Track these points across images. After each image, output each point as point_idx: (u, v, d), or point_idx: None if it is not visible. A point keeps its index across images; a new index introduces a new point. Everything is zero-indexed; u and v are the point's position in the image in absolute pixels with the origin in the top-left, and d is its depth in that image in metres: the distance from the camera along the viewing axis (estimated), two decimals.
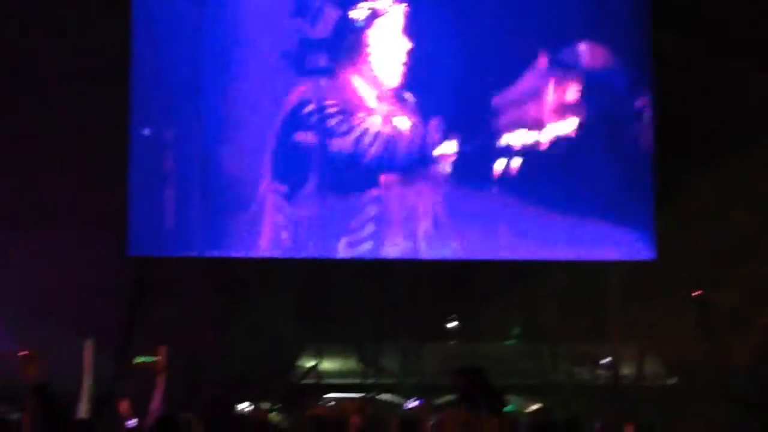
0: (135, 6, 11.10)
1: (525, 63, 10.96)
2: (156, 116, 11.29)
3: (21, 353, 4.16)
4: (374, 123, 10.83)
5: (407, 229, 11.06)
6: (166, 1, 11.40)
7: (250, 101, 11.07)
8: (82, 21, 10.74)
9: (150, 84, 11.19)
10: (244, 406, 9.18)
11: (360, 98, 10.87)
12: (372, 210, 11.00)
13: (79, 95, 10.74)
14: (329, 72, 10.91)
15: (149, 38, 11.17)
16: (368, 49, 10.93)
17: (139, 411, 7.02)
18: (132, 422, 6.68)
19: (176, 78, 11.26)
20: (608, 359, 10.68)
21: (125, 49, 11.12)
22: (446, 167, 10.78)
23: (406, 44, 10.87)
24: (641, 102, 10.84)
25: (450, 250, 11.01)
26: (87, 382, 8.39)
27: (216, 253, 11.41)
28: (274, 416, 9.11)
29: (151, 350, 8.17)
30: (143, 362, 7.87)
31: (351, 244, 11.04)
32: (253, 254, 11.44)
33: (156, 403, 7.21)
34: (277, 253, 11.41)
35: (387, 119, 10.80)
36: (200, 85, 11.26)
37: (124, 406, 6.87)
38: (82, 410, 7.88)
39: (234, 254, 11.38)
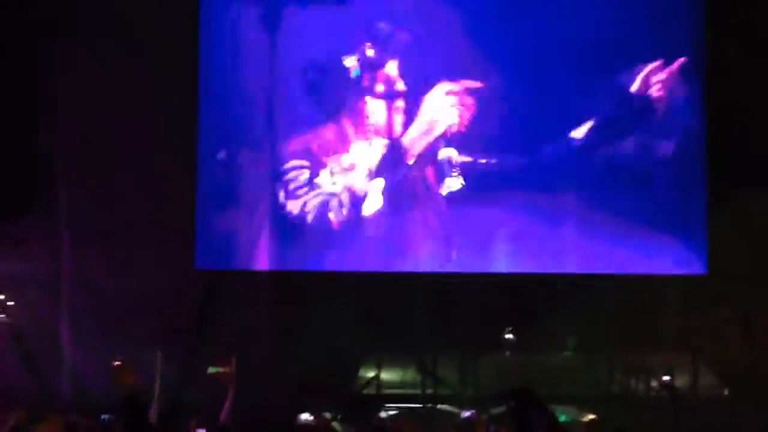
0: (204, 33, 11.91)
1: (585, 86, 11.44)
2: (224, 139, 11.95)
3: (114, 363, 4.48)
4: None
5: (466, 244, 11.49)
6: (236, 29, 12.12)
7: None
8: (159, 56, 11.34)
9: (219, 108, 11.86)
10: (306, 416, 9.19)
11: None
12: (433, 226, 11.48)
13: (153, 123, 11.36)
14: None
15: (219, 64, 11.98)
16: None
17: (207, 420, 7.30)
18: None
19: (244, 102, 11.89)
20: (665, 374, 10.89)
21: (195, 81, 11.82)
22: (504, 183, 11.29)
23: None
24: (694, 118, 11.15)
25: (506, 263, 11.41)
26: (156, 392, 8.96)
27: (281, 267, 11.90)
28: (336, 425, 9.15)
29: (220, 361, 8.64)
30: (215, 372, 8.40)
31: (411, 259, 11.54)
32: (317, 268, 11.88)
33: (225, 414, 7.55)
34: (340, 267, 11.83)
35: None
36: (267, 109, 11.85)
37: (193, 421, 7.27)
38: (152, 419, 8.28)
39: (298, 268, 11.90)
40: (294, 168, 12.01)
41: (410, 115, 11.79)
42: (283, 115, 12.17)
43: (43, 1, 12.04)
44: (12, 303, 11.81)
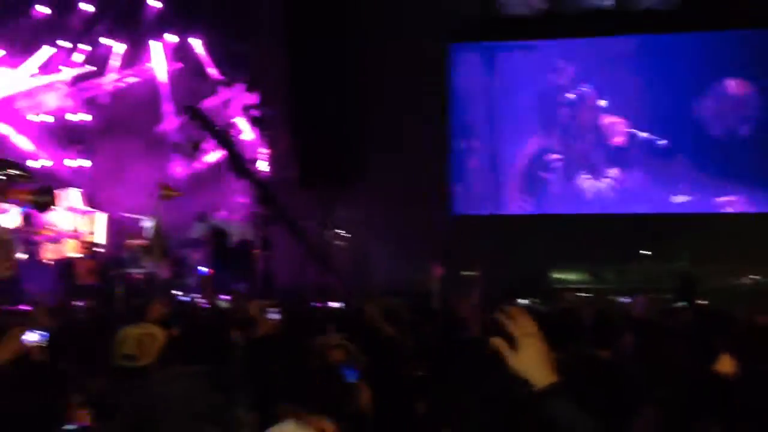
0: (452, 74, 15.41)
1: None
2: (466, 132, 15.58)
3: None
4: None
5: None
6: (471, 70, 15.59)
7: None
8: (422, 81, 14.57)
9: (463, 114, 15.61)
10: (523, 301, 10.75)
11: None
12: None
13: (418, 119, 14.54)
14: None
15: (462, 93, 15.56)
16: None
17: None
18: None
19: (478, 110, 15.68)
20: None
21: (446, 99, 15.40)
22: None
23: None
24: None
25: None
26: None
27: (506, 211, 15.37)
28: (539, 306, 10.36)
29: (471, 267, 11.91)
30: (466, 275, 11.75)
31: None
32: (530, 212, 15.22)
33: (475, 298, 8.47)
34: (549, 210, 15.12)
35: None
36: (490, 116, 15.57)
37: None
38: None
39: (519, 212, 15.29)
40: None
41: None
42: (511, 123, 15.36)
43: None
44: (348, 235, 15.44)
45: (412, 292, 9.32)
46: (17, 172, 15.41)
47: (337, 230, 15.28)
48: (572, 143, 15.37)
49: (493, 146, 15.57)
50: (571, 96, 15.13)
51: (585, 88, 15.10)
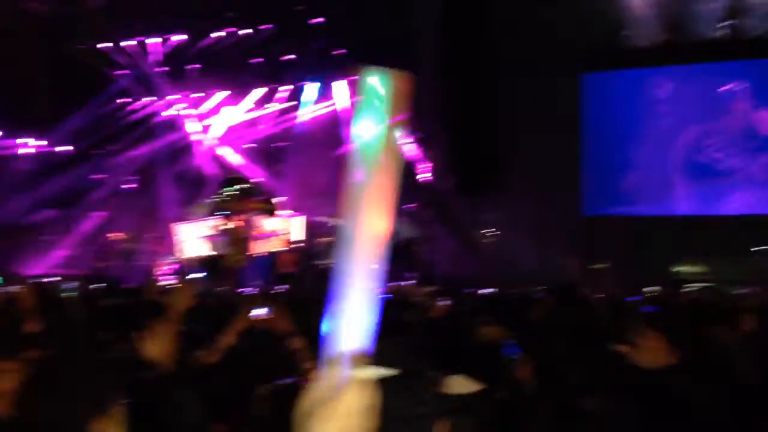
0: (583, 96, 14.92)
1: None
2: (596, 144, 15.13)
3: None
4: None
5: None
6: (600, 94, 15.01)
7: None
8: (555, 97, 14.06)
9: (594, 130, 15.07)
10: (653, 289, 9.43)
11: None
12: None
13: (553, 135, 13.97)
14: None
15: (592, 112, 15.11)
16: None
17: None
18: None
19: (607, 127, 15.02)
20: None
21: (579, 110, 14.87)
22: None
23: None
24: None
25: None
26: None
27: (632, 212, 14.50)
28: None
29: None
30: (597, 267, 11.67)
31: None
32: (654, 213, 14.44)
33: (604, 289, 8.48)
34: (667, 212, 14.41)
35: None
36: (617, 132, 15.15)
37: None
38: None
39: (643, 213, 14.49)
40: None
41: None
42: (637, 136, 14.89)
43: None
44: (496, 233, 15.34)
45: (550, 283, 8.75)
46: (248, 186, 16.47)
47: (487, 229, 15.22)
48: (695, 155, 14.68)
49: (618, 156, 15.13)
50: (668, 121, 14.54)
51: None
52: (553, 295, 6.26)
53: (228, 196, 16.52)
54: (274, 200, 17.04)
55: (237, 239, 15.22)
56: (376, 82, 1.51)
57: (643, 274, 11.14)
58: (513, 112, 14.19)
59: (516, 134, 14.28)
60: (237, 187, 16.56)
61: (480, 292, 8.11)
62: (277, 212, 17.64)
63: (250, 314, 4.76)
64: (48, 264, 17.38)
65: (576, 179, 14.88)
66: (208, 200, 17.51)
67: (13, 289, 5.14)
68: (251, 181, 17.42)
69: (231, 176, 17.23)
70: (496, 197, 14.95)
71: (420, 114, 15.74)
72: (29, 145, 19.69)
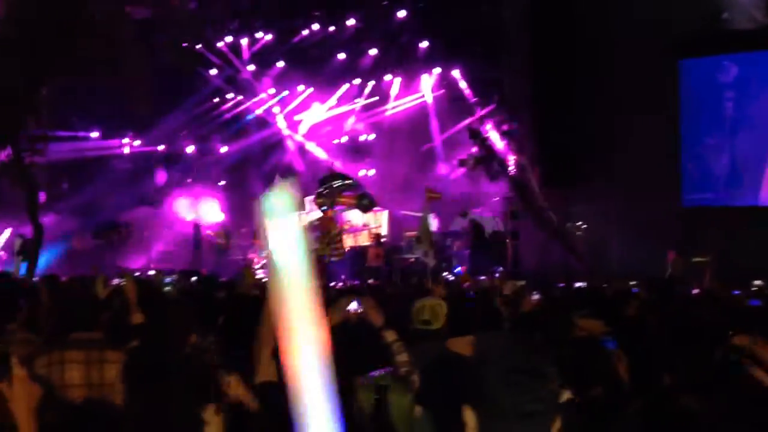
0: (680, 84, 14.31)
1: None
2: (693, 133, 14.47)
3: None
4: None
5: None
6: (698, 80, 14.39)
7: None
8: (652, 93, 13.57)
9: (691, 119, 14.40)
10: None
11: None
12: None
13: (649, 124, 13.47)
14: None
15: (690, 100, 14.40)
16: None
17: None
18: None
19: (704, 115, 14.41)
20: None
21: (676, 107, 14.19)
22: None
23: None
24: None
25: None
26: None
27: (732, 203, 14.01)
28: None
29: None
30: (697, 261, 10.78)
31: None
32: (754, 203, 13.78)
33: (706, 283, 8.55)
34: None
35: None
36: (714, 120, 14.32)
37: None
38: None
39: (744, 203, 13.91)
40: None
41: None
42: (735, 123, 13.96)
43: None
44: (586, 226, 14.76)
45: (644, 277, 8.50)
46: (348, 182, 16.73)
47: (577, 222, 14.75)
48: None
49: (719, 144, 14.35)
50: None
51: None
52: (650, 289, 6.08)
53: (325, 190, 16.81)
54: (369, 196, 17.08)
55: (329, 234, 15.49)
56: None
57: (747, 267, 10.62)
58: (606, 99, 13.85)
59: (609, 123, 13.94)
60: (336, 183, 16.81)
61: (574, 285, 8.01)
62: (372, 209, 17.97)
63: (345, 308, 4.84)
64: (146, 258, 18.13)
65: (673, 168, 14.28)
66: (302, 195, 17.87)
67: (117, 282, 5.34)
68: (349, 176, 17.57)
69: (330, 173, 17.39)
70: (588, 188, 14.57)
71: (509, 106, 16.07)
72: (127, 144, 20.62)
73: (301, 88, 20.19)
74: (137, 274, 12.13)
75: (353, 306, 4.60)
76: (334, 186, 16.50)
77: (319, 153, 20.50)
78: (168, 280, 9.49)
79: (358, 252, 17.12)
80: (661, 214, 13.34)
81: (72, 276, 7.88)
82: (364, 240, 17.99)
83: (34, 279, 9.36)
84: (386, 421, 2.77)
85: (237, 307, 4.35)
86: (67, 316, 3.67)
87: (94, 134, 19.65)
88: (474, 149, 15.59)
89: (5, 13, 10.94)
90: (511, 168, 15.52)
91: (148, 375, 2.52)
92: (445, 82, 18.49)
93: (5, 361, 2.20)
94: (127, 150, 20.66)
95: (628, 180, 13.84)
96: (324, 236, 15.40)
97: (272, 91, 20.59)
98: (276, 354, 2.66)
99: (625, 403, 3.16)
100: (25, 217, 12.02)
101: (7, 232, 10.37)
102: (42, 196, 13.43)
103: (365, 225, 18.68)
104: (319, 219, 16.45)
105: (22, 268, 10.13)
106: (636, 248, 12.99)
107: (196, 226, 19.10)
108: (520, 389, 1.50)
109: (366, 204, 16.58)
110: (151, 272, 14.32)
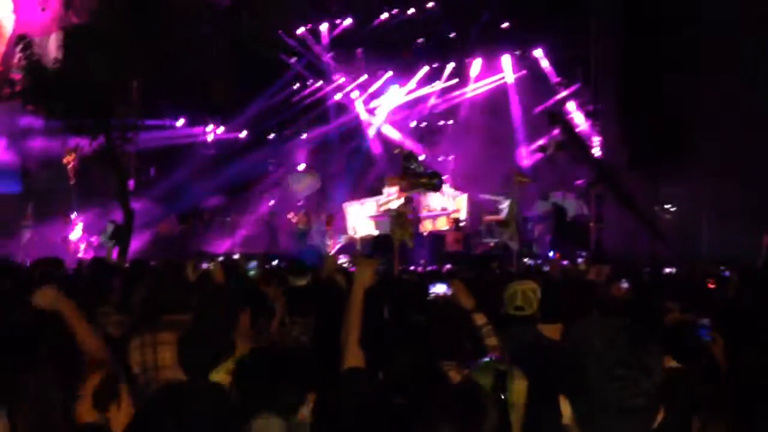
0: None
1: None
2: None
3: None
4: None
5: None
6: None
7: None
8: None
9: None
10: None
11: None
12: None
13: (742, 102, 12.65)
14: None
15: None
16: None
17: None
18: None
19: None
20: None
21: None
22: None
23: None
24: None
25: None
26: None
27: None
28: None
29: None
30: None
31: None
32: None
33: None
34: None
35: None
36: None
37: None
38: None
39: None
40: None
41: None
42: None
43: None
44: (674, 209, 14.21)
45: (736, 262, 8.11)
46: (414, 164, 16.82)
47: (664, 205, 14.35)
48: None
49: None
50: None
51: None
52: (745, 275, 5.90)
53: (395, 174, 16.91)
54: (439, 177, 17.05)
55: (403, 218, 15.53)
56: None
57: None
58: (696, 77, 13.37)
59: (699, 101, 13.42)
60: (413, 165, 16.88)
61: (664, 271, 7.92)
62: (443, 188, 17.92)
63: (432, 291, 4.84)
64: (230, 243, 18.63)
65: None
66: (378, 179, 18.02)
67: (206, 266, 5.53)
68: (418, 158, 17.60)
69: (399, 153, 17.47)
70: (677, 170, 14.00)
71: (594, 85, 15.63)
72: (211, 132, 21.22)
73: (380, 72, 20.25)
74: (222, 258, 12.47)
75: (443, 289, 4.58)
76: (411, 168, 16.54)
77: (397, 137, 20.54)
78: (252, 264, 9.71)
79: (437, 237, 17.09)
80: (754, 196, 12.65)
81: (166, 260, 8.14)
82: (442, 224, 17.95)
83: (126, 263, 9.72)
84: (503, 406, 2.73)
85: (323, 293, 4.40)
86: (159, 299, 3.76)
87: (180, 122, 20.21)
88: (555, 132, 15.22)
89: (98, 6, 11.36)
90: (596, 150, 15.14)
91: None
92: (527, 62, 18.21)
93: (115, 385, 2.23)
94: (211, 137, 21.21)
95: (719, 160, 13.31)
96: (398, 220, 15.41)
97: (351, 76, 20.72)
98: (363, 340, 2.69)
99: (725, 388, 3.10)
100: (116, 204, 12.48)
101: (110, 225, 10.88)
102: (131, 183, 13.93)
103: (444, 209, 18.64)
104: (390, 202, 16.54)
105: (114, 253, 10.55)
106: (728, 232, 12.35)
107: (272, 213, 19.55)
108: (624, 383, 1.45)
109: (437, 183, 16.57)
110: (236, 256, 14.68)
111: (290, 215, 19.15)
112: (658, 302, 4.39)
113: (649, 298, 4.74)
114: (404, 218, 14.38)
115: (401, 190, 16.86)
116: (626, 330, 1.51)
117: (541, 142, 16.32)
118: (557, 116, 14.07)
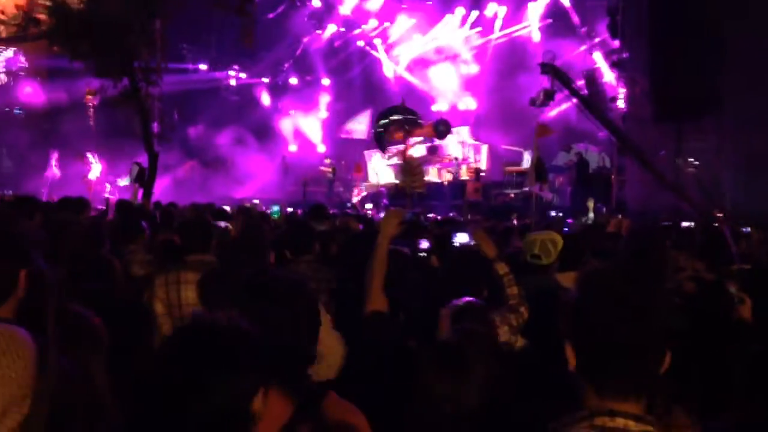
0: None
1: None
2: None
3: None
4: None
5: None
6: None
7: None
8: None
9: None
10: None
11: None
12: None
13: None
14: None
15: None
16: None
17: None
18: None
19: None
20: None
21: None
22: None
23: None
24: None
25: None
26: None
27: None
28: None
29: None
30: None
31: None
32: None
33: None
34: None
35: None
36: None
37: None
38: None
39: None
40: None
41: None
42: None
43: None
44: (698, 163, 13.90)
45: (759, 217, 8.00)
46: (412, 117, 16.79)
47: (688, 159, 13.94)
48: None
49: None
50: None
51: None
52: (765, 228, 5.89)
53: (390, 123, 16.87)
54: (445, 124, 16.97)
55: (412, 166, 15.57)
56: None
57: None
58: (722, 29, 12.89)
59: (727, 56, 12.90)
60: (394, 116, 16.82)
61: (681, 225, 7.71)
62: (457, 140, 17.85)
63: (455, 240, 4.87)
64: (250, 188, 18.79)
65: None
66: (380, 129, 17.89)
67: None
68: (412, 111, 17.45)
69: (393, 105, 17.37)
70: (700, 126, 13.83)
71: (621, 37, 15.25)
72: (234, 77, 21.17)
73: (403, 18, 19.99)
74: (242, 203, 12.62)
75: (466, 238, 4.61)
76: (392, 119, 16.47)
77: (420, 85, 20.37)
78: (275, 208, 9.82)
79: (457, 186, 17.09)
80: None
81: (193, 204, 8.29)
82: (463, 174, 17.93)
83: (150, 205, 9.87)
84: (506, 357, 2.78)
85: (348, 238, 4.46)
86: (183, 240, 3.86)
87: (203, 66, 20.21)
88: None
89: None
90: (620, 102, 14.89)
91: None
92: (554, 10, 17.88)
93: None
94: (233, 82, 21.18)
95: (742, 114, 12.93)
96: (407, 169, 15.45)
97: (375, 23, 20.47)
98: (386, 285, 2.75)
99: (747, 344, 3.07)
100: (137, 146, 12.61)
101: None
102: (155, 126, 14.02)
103: (465, 159, 18.60)
104: (400, 151, 16.55)
105: (140, 194, 10.70)
106: (751, 187, 12.42)
107: (284, 158, 19.64)
108: (626, 324, 1.43)
109: (442, 130, 16.52)
110: (256, 201, 14.84)
111: (323, 165, 19.26)
112: (667, 251, 4.31)
113: (660, 248, 4.69)
114: (411, 165, 14.36)
115: (405, 138, 16.83)
116: (627, 274, 1.50)
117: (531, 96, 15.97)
118: (548, 66, 13.72)
